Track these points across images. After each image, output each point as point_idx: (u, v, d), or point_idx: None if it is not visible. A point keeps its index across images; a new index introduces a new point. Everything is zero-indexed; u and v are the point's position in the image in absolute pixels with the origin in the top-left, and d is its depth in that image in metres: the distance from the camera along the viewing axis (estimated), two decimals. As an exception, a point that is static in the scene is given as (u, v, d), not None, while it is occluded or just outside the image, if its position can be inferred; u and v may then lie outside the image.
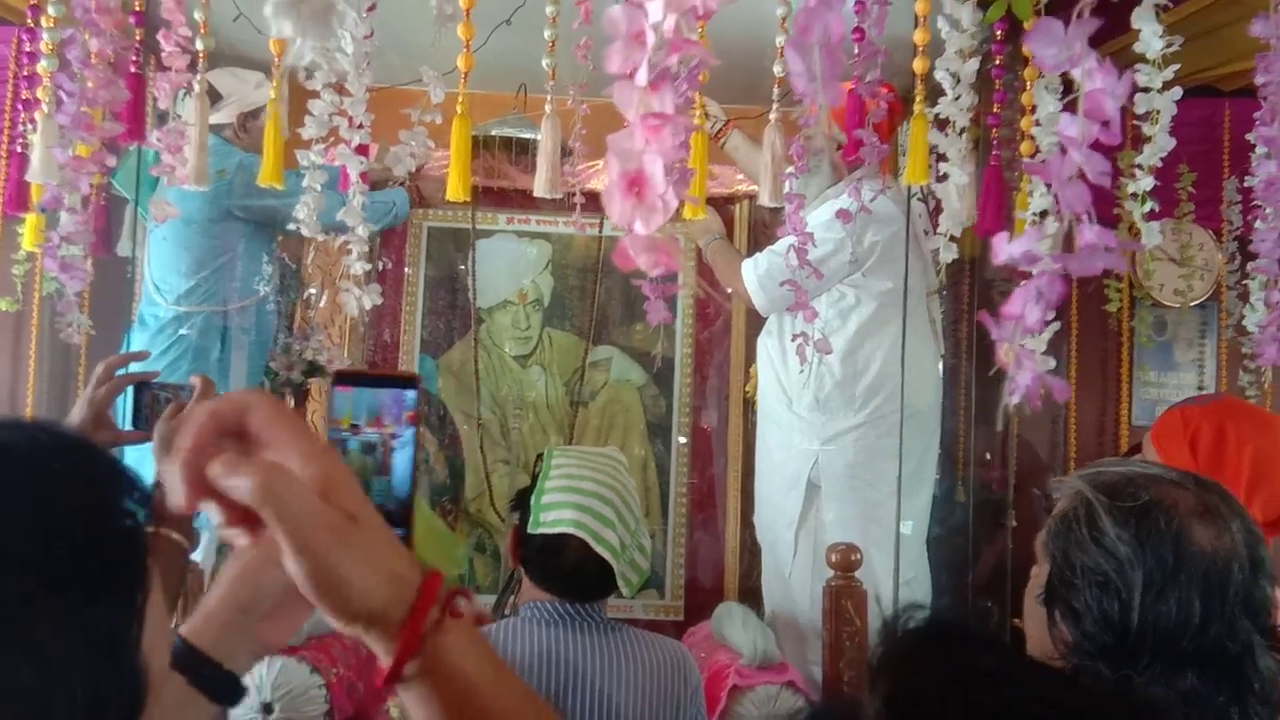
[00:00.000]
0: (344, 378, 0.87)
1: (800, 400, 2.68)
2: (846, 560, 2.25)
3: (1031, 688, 0.61)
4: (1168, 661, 0.96)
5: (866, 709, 0.64)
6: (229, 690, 0.83)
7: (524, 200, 3.03)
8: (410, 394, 0.87)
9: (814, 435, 2.66)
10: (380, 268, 3.12)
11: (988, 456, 3.37)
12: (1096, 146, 0.75)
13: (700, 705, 1.79)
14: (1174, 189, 3.10)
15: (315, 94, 1.62)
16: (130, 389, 1.52)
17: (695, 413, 3.15)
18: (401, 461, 0.88)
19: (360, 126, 1.60)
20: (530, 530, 1.70)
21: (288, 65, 1.32)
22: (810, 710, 0.71)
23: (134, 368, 1.73)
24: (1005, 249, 0.75)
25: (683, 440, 3.13)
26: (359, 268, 1.68)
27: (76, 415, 1.48)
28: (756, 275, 2.64)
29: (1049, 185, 0.74)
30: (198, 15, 1.76)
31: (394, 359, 3.08)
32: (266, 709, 2.19)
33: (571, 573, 1.70)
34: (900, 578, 2.68)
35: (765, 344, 2.83)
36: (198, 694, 0.81)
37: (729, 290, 2.98)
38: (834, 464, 2.64)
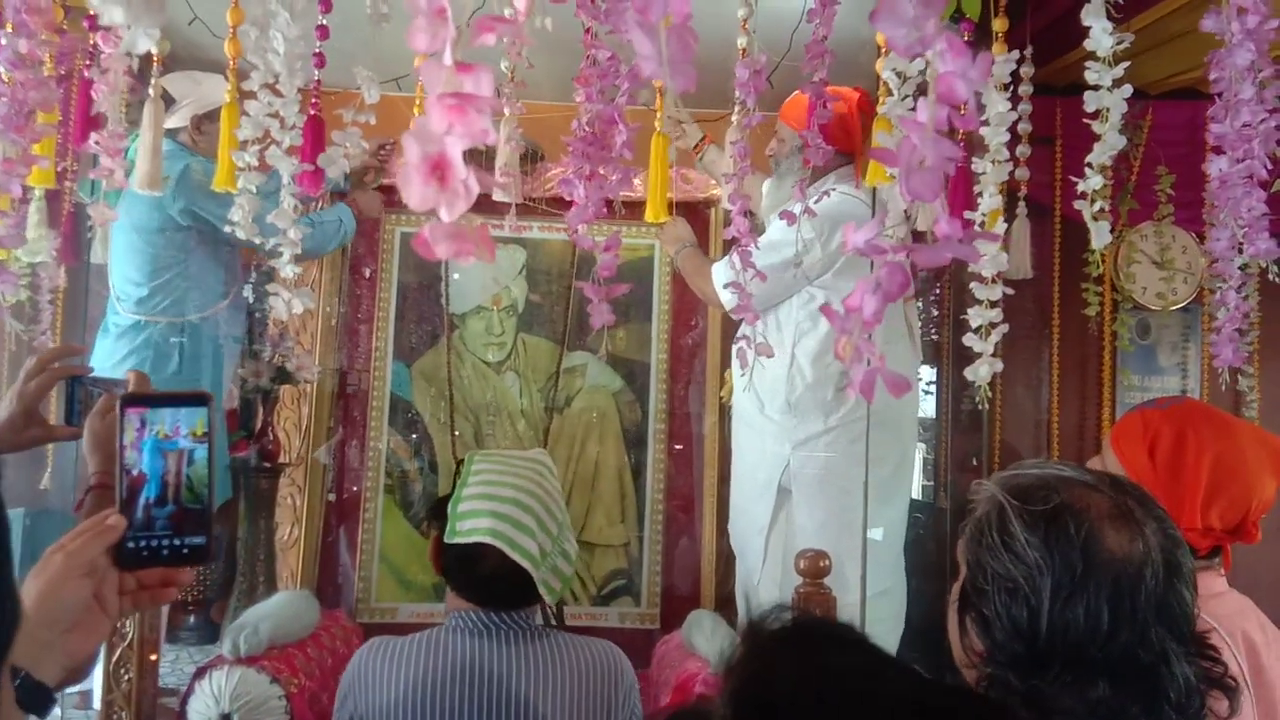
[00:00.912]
0: (133, 400, 0.96)
1: (772, 403, 2.65)
2: (815, 567, 2.21)
3: (880, 684, 0.59)
4: (1078, 670, 0.93)
5: (717, 707, 0.62)
6: (39, 699, 0.87)
7: (497, 205, 3.01)
8: (200, 410, 0.93)
9: (785, 439, 2.64)
10: (366, 274, 3.12)
11: (974, 462, 3.33)
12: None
13: (635, 707, 1.75)
14: (1153, 191, 3.07)
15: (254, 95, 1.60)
16: (63, 384, 1.48)
17: (672, 418, 3.12)
18: (197, 473, 0.93)
19: (292, 127, 1.59)
20: (446, 540, 1.67)
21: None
22: (670, 713, 0.69)
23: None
24: (852, 238, 0.73)
25: (662, 446, 3.10)
26: (289, 271, 1.66)
27: (4, 411, 1.43)
28: (725, 277, 2.62)
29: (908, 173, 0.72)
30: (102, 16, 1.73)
31: (366, 365, 3.06)
32: (225, 719, 2.17)
33: (490, 582, 1.67)
34: (876, 587, 2.65)
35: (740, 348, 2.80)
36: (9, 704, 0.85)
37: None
38: (805, 469, 2.61)
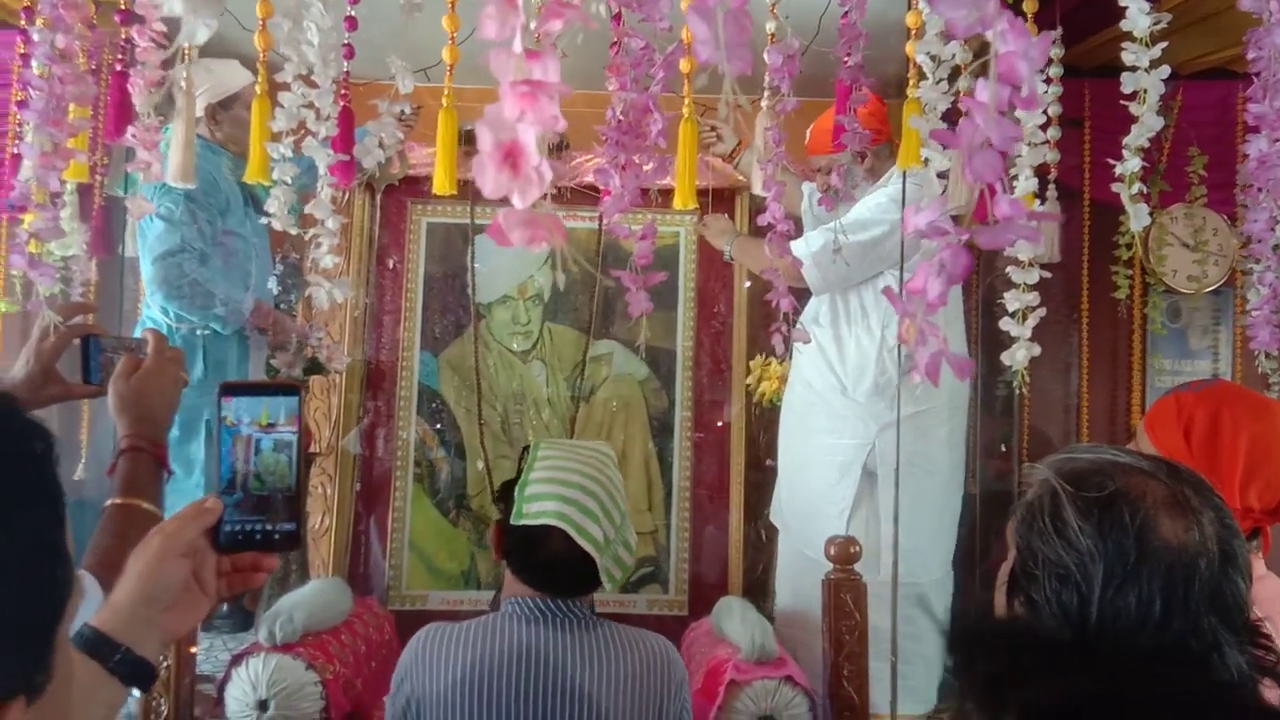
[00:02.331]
0: (229, 388, 1.00)
1: (858, 387, 2.64)
2: (845, 553, 2.21)
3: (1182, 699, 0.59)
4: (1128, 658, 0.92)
5: None
6: (140, 674, 0.90)
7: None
8: (292, 400, 0.96)
9: (871, 421, 2.63)
10: (390, 265, 3.13)
11: (1003, 448, 3.32)
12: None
13: (685, 701, 1.76)
14: (1184, 172, 3.03)
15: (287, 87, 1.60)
16: (78, 342, 1.46)
17: (698, 406, 3.12)
18: (285, 459, 0.96)
19: (327, 118, 1.59)
20: (513, 521, 1.68)
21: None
22: None
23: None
24: (912, 220, 0.72)
25: (689, 433, 3.10)
26: (328, 261, 1.67)
27: (21, 369, 1.42)
28: (810, 253, 2.59)
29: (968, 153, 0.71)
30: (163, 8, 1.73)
31: (394, 355, 3.07)
32: (262, 706, 2.19)
33: (552, 565, 1.67)
34: (935, 573, 2.68)
35: (812, 333, 2.78)
36: (110, 678, 0.88)
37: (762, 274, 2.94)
38: (891, 451, 2.59)
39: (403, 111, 2.85)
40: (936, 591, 2.69)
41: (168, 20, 1.76)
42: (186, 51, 1.85)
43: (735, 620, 2.46)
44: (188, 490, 2.65)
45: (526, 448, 1.87)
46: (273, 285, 2.93)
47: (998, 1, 0.67)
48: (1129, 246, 3.04)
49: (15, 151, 2.20)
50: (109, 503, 1.28)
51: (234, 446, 0.98)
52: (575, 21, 0.64)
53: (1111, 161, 1.82)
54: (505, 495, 1.79)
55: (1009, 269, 1.64)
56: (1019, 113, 1.73)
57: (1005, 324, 1.69)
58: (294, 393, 1.00)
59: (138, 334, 2.77)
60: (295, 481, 1.00)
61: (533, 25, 0.62)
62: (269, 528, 0.99)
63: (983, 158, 0.67)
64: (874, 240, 2.48)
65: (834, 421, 2.71)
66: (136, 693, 0.93)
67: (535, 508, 1.68)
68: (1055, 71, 2.10)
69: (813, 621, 2.72)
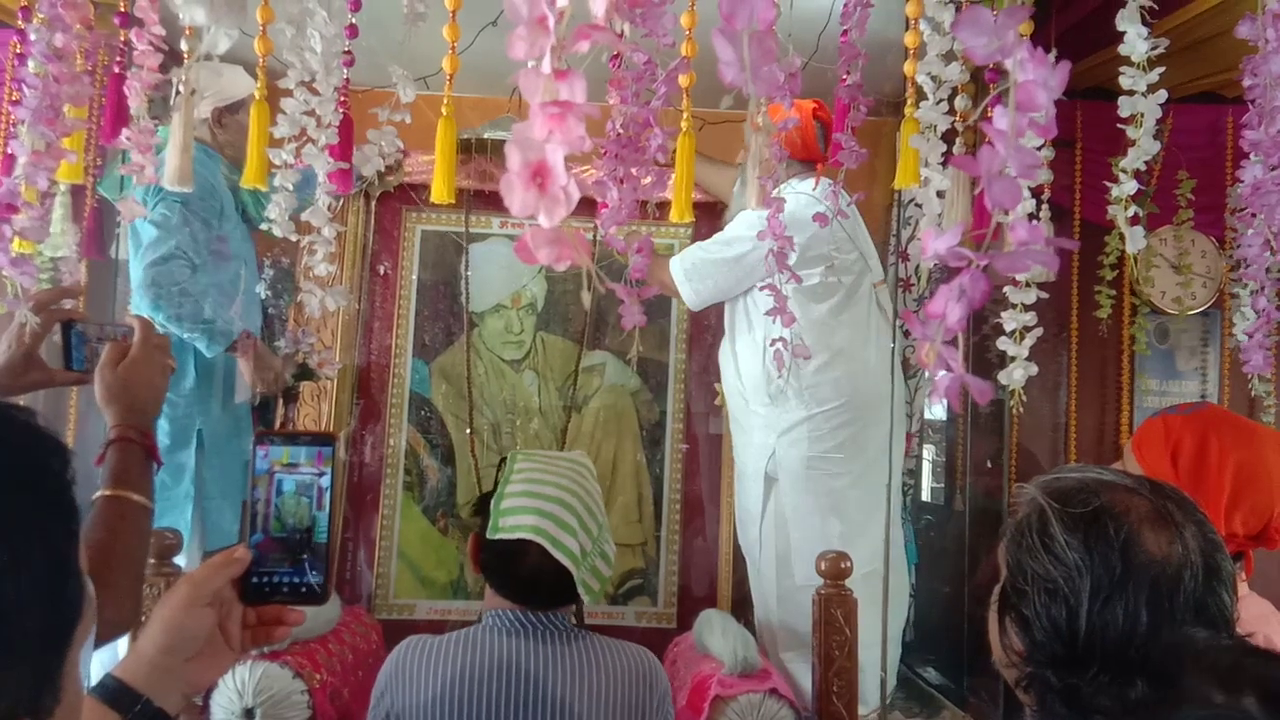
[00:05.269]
0: (264, 436, 0.98)
1: (756, 398, 2.71)
2: (836, 568, 2.22)
3: None
4: (1116, 670, 0.93)
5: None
6: None
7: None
8: (327, 449, 0.95)
9: (771, 430, 2.70)
10: (381, 271, 3.13)
11: (988, 465, 3.34)
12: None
13: (668, 713, 1.76)
14: (1173, 195, 3.06)
15: (290, 93, 1.61)
16: (59, 328, 1.43)
17: (689, 418, 3.13)
18: (307, 502, 0.95)
19: (329, 125, 1.59)
20: (490, 535, 1.68)
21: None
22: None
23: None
24: (932, 245, 0.73)
25: (680, 445, 3.11)
26: (323, 269, 1.67)
27: (2, 355, 1.39)
28: (683, 269, 2.67)
29: (976, 180, 0.72)
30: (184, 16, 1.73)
31: (386, 362, 3.07)
32: (248, 714, 2.18)
33: (530, 579, 1.67)
34: (860, 570, 2.66)
35: (724, 348, 2.85)
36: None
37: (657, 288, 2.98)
38: (789, 456, 2.67)
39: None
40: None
41: (168, 23, 1.77)
42: (187, 55, 1.86)
43: (716, 634, 2.46)
44: (176, 499, 2.63)
45: (503, 460, 1.87)
46: (261, 290, 2.92)
47: (1017, 31, 0.69)
48: (1114, 267, 3.07)
49: (9, 152, 2.20)
50: (98, 495, 1.25)
51: (267, 494, 0.97)
52: (602, 43, 0.65)
53: (1108, 184, 1.84)
54: (482, 508, 1.78)
55: (1006, 289, 1.65)
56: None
57: (1002, 343, 1.71)
58: (329, 442, 0.98)
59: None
60: (328, 533, 0.97)
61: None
62: (296, 580, 0.97)
63: (1001, 185, 0.68)
64: (738, 256, 2.56)
65: (744, 433, 2.80)
66: None
67: (511, 521, 1.67)
68: (1049, 93, 2.11)
69: (774, 630, 2.73)
